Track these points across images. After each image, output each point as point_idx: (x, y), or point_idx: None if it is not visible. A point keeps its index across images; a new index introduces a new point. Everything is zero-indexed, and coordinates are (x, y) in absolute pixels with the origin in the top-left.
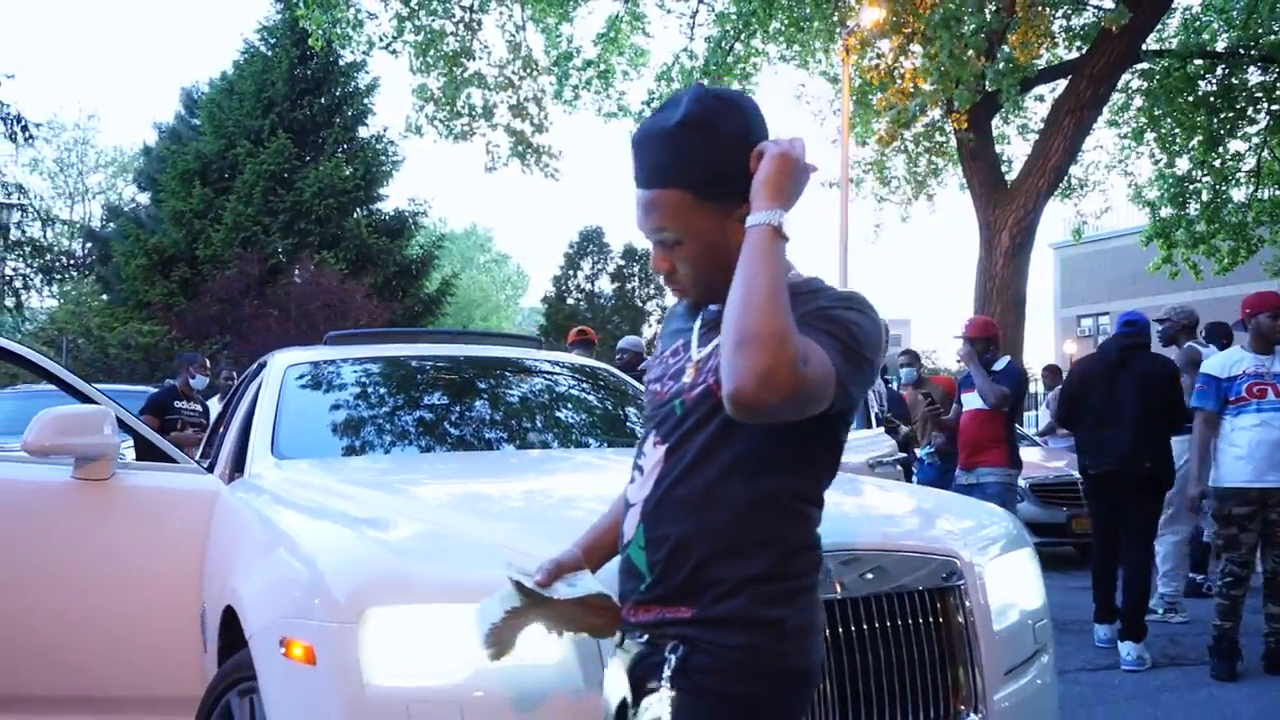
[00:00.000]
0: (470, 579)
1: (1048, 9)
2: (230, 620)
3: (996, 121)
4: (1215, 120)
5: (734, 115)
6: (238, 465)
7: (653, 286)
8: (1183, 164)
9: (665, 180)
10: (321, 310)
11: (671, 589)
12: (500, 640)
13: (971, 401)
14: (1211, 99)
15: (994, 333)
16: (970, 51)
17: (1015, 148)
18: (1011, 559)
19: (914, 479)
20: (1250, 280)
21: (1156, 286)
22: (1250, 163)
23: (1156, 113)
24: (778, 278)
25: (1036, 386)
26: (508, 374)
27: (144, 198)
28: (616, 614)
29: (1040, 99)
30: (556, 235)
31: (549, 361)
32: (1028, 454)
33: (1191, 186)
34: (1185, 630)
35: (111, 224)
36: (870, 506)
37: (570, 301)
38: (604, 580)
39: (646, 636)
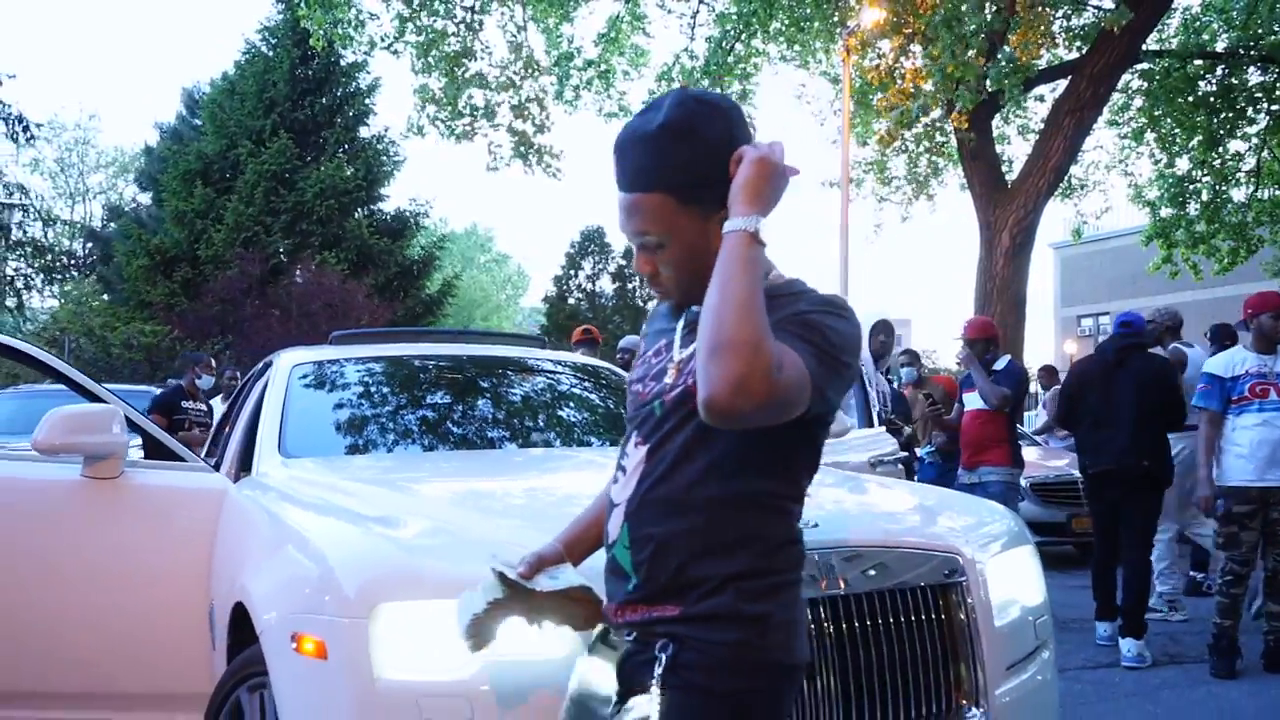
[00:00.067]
0: (479, 575)
1: (1048, 9)
2: (240, 617)
3: (997, 121)
4: (1215, 120)
5: (715, 119)
6: (244, 464)
7: None
8: (1183, 164)
9: (647, 184)
10: (323, 310)
11: (657, 588)
12: (481, 631)
13: (973, 401)
14: (1211, 99)
15: (993, 333)
16: (971, 52)
17: (1015, 148)
18: (1012, 556)
19: (915, 478)
20: (1250, 280)
21: (1156, 286)
22: (1250, 163)
23: (1156, 113)
24: (753, 284)
25: (1033, 386)
26: (511, 373)
27: (145, 198)
28: (597, 607)
29: (1040, 99)
30: (557, 235)
31: (551, 361)
32: (1027, 453)
33: (1191, 186)
34: (1185, 628)
35: (112, 224)
36: (873, 504)
37: (571, 301)
38: (584, 573)
39: (635, 635)
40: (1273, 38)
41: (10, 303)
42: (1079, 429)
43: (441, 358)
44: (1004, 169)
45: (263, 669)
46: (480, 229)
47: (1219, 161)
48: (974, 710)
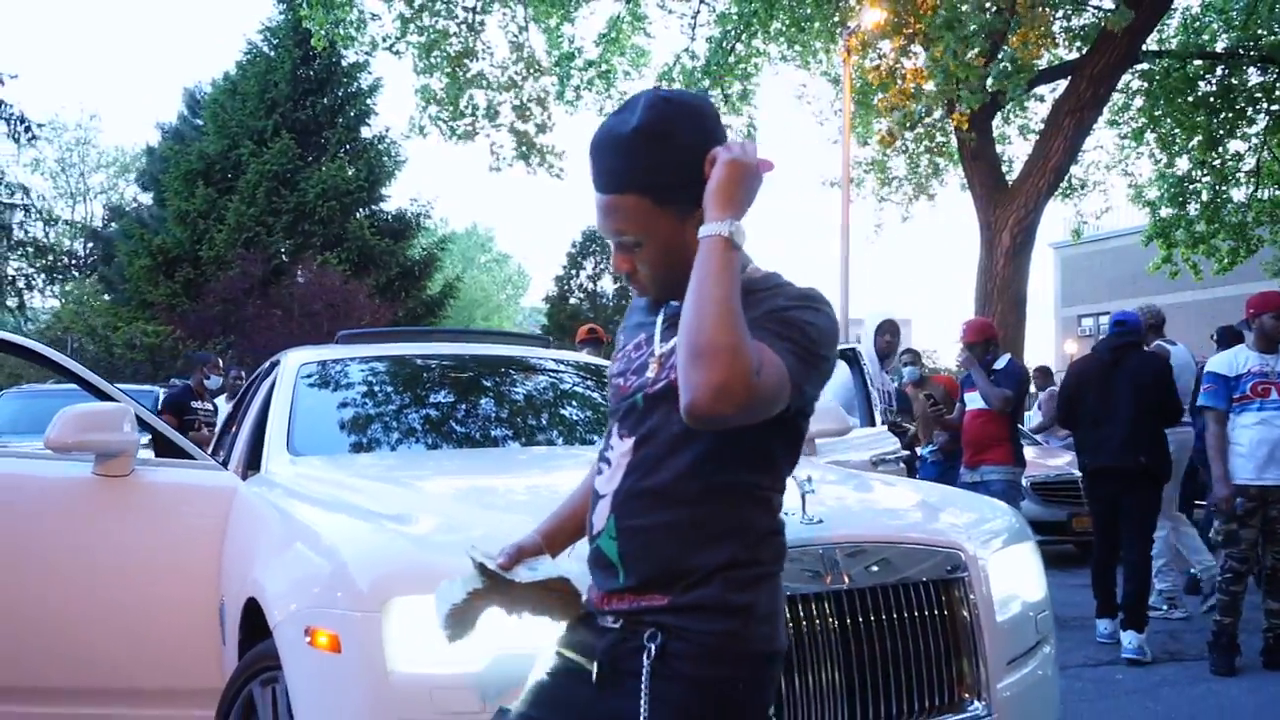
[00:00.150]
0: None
1: (1048, 9)
2: (251, 612)
3: (997, 122)
4: (1215, 120)
5: (689, 120)
6: (252, 462)
7: None
8: (1183, 164)
9: (622, 186)
10: (324, 311)
11: (644, 579)
12: (459, 621)
13: (974, 401)
14: (1211, 99)
15: (992, 334)
16: (973, 52)
17: (1016, 148)
18: (1014, 552)
19: (916, 477)
20: (1250, 280)
21: (1156, 286)
22: (1250, 163)
23: (1156, 113)
24: (730, 288)
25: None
26: (514, 372)
27: (146, 198)
28: (576, 598)
29: (1040, 99)
30: (557, 235)
31: (554, 360)
32: (1028, 453)
33: (1191, 186)
34: (1185, 626)
35: (114, 224)
36: (875, 500)
37: (572, 301)
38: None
39: (621, 623)
40: (1272, 38)
41: (11, 302)
42: (1078, 429)
43: (446, 357)
44: (1004, 169)
45: (275, 663)
46: (481, 229)
47: (1219, 161)
48: (976, 704)
